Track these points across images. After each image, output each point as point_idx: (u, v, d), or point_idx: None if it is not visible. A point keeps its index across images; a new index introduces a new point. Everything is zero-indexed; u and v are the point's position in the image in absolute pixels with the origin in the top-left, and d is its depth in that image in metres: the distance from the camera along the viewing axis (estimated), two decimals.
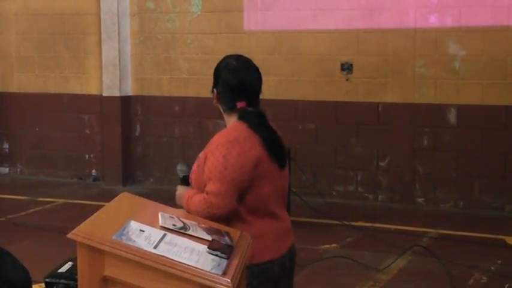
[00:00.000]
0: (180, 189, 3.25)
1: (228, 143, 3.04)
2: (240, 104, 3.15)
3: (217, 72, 3.26)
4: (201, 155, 3.14)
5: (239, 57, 3.30)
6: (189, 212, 3.08)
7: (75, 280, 2.55)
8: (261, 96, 3.27)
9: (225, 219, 3.03)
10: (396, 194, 8.67)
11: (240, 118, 3.14)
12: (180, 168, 3.36)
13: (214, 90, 3.24)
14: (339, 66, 8.75)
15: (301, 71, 8.93)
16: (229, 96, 3.18)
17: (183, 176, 3.33)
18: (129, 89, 9.92)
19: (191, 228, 2.66)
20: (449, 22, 8.26)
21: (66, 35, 10.21)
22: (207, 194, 3.03)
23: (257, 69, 3.26)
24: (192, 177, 3.19)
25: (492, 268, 6.37)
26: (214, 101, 3.26)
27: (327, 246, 7.04)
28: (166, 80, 9.72)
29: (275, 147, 3.15)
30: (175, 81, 9.66)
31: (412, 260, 6.60)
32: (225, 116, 3.23)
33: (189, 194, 3.15)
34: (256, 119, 3.15)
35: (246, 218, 3.08)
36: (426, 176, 8.52)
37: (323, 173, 8.94)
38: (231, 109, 3.19)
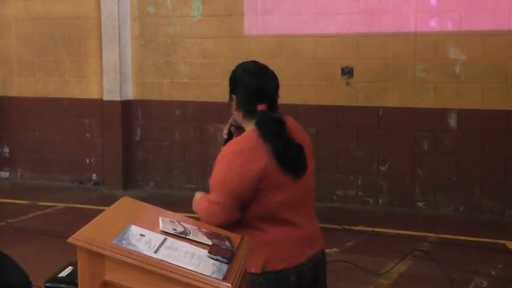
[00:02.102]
0: (197, 195, 3.26)
1: (233, 154, 3.03)
2: (261, 107, 3.09)
3: (235, 78, 3.19)
4: (215, 162, 3.14)
5: (256, 62, 3.25)
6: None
7: (76, 285, 2.55)
8: None
9: (237, 227, 3.03)
10: (397, 198, 8.66)
11: (257, 123, 3.07)
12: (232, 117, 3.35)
13: (233, 96, 3.16)
14: (339, 70, 8.75)
15: (301, 75, 8.94)
16: (250, 99, 3.11)
17: (231, 123, 3.36)
18: (130, 93, 9.93)
19: (192, 233, 2.66)
20: (449, 26, 8.27)
21: (66, 39, 10.22)
22: (209, 202, 3.05)
23: (274, 74, 3.22)
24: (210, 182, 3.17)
25: (493, 272, 6.36)
26: (233, 108, 3.19)
27: (328, 250, 6.97)
28: (167, 84, 9.72)
29: (287, 157, 3.05)
30: (176, 85, 9.67)
31: (413, 264, 6.60)
32: (245, 123, 3.16)
33: (202, 199, 3.16)
34: (273, 125, 3.06)
35: (259, 225, 3.06)
36: (426, 180, 8.52)
37: (323, 177, 8.93)
38: (251, 113, 3.11)
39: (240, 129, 3.28)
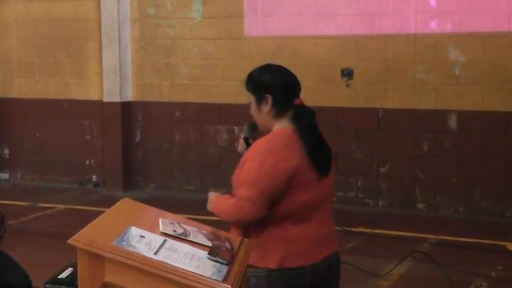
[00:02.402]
0: (212, 195, 3.29)
1: (266, 152, 3.06)
2: (298, 101, 3.20)
3: (264, 79, 3.23)
4: (242, 159, 3.18)
5: (274, 64, 3.36)
6: (219, 216, 3.14)
7: (76, 286, 2.55)
8: None
9: (257, 223, 3.08)
10: (397, 199, 8.67)
11: (295, 116, 3.15)
12: (245, 130, 3.42)
13: (268, 96, 3.18)
14: (339, 72, 8.75)
15: (301, 77, 8.79)
16: (287, 95, 3.19)
17: (244, 136, 3.40)
18: (130, 94, 9.93)
19: (191, 234, 2.66)
20: (449, 28, 8.27)
21: (66, 40, 10.22)
22: (238, 198, 3.08)
23: None
24: (233, 180, 3.21)
25: (493, 274, 6.36)
26: (265, 109, 3.19)
27: None
28: (167, 86, 9.72)
29: (317, 155, 3.13)
30: (176, 86, 9.67)
31: (413, 266, 6.60)
32: (274, 122, 3.20)
33: (221, 198, 3.20)
34: (309, 118, 3.18)
35: (280, 222, 3.11)
36: (426, 181, 8.52)
37: None
38: (284, 110, 3.17)
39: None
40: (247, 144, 3.39)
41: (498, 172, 8.22)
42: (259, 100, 3.20)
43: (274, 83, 3.20)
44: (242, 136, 3.43)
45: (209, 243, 2.61)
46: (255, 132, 3.36)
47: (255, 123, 3.32)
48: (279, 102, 3.18)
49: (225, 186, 9.37)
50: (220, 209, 3.16)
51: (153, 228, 2.61)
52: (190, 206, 8.76)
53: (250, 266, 3.07)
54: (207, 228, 2.86)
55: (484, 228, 7.86)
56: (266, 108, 3.19)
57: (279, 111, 3.18)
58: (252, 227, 3.10)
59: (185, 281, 2.34)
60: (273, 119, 3.20)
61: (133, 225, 2.56)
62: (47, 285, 3.99)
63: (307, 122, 3.16)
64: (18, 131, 10.67)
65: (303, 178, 3.08)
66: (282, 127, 3.16)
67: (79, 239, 2.41)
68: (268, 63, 3.36)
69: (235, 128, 9.30)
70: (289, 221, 3.11)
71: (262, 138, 3.19)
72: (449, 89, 8.33)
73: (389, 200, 8.70)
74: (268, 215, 3.08)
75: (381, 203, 8.75)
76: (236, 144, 3.54)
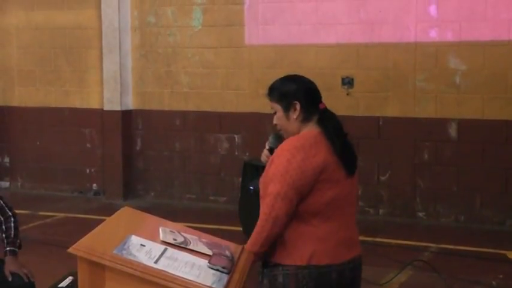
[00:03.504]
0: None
1: (294, 149, 3.16)
2: (322, 105, 3.33)
3: (287, 88, 3.34)
4: (270, 158, 3.27)
5: (291, 74, 3.47)
6: (262, 236, 3.09)
7: None
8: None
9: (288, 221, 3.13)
10: (397, 208, 8.66)
11: (321, 119, 3.27)
12: (271, 140, 3.49)
13: (296, 102, 3.28)
14: (339, 80, 8.75)
15: None
16: (313, 101, 3.31)
17: (270, 147, 3.46)
18: (130, 103, 9.93)
19: (192, 243, 2.66)
20: (449, 36, 8.28)
21: (67, 49, 10.23)
22: (267, 196, 3.12)
23: None
24: (261, 181, 3.27)
25: (493, 283, 6.35)
26: (295, 115, 3.28)
27: None
28: (167, 94, 9.73)
29: (344, 154, 3.25)
30: (176, 95, 9.67)
31: (413, 274, 6.59)
32: (302, 127, 3.30)
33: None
34: (334, 121, 3.31)
35: (309, 220, 3.17)
36: (427, 190, 8.51)
37: None
38: (311, 114, 3.28)
39: None
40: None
41: (498, 180, 8.21)
42: (287, 107, 3.30)
43: (299, 90, 3.32)
44: (267, 147, 3.49)
45: (210, 252, 2.61)
46: (280, 142, 3.41)
47: (280, 134, 3.41)
48: (306, 107, 3.29)
49: (225, 194, 9.38)
50: (256, 230, 3.12)
51: (153, 236, 2.61)
52: (191, 215, 8.76)
53: (277, 265, 3.13)
54: (208, 237, 2.85)
55: (484, 236, 7.84)
56: (294, 114, 3.29)
57: (306, 117, 3.29)
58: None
59: None
60: (301, 125, 3.30)
61: (133, 234, 2.56)
62: None
63: (332, 124, 3.28)
64: (18, 139, 10.67)
65: (331, 174, 3.17)
66: (309, 129, 3.27)
67: (79, 247, 2.41)
68: (287, 74, 3.46)
69: (236, 136, 9.30)
70: (317, 218, 3.17)
71: (291, 137, 3.28)
72: (450, 97, 8.33)
73: (389, 209, 8.69)
74: (297, 212, 3.14)
75: (381, 211, 8.75)
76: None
